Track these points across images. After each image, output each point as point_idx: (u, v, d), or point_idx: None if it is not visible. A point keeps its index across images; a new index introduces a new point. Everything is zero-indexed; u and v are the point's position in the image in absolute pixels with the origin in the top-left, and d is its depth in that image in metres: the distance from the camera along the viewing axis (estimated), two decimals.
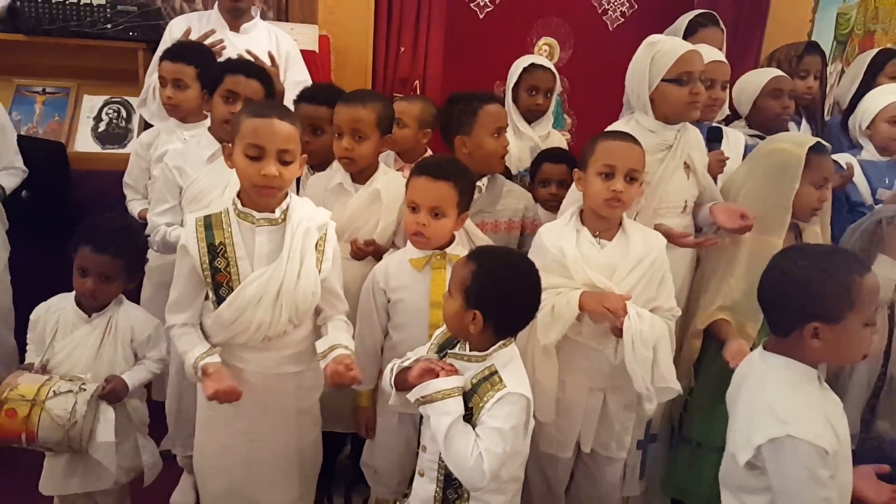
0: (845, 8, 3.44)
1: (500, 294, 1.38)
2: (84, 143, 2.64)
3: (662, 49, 1.91)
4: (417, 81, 2.93)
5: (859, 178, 2.37)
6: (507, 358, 1.42)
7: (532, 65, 2.50)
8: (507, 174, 2.28)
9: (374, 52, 2.83)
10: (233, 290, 1.52)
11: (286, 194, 1.58)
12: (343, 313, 1.68)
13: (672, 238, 1.88)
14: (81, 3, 2.53)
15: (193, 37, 2.34)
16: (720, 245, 1.95)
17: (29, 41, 2.53)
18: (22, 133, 2.54)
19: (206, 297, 1.58)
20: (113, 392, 1.63)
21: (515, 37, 3.32)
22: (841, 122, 2.65)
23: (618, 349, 1.71)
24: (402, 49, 2.86)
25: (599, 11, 3.39)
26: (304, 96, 2.07)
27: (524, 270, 1.45)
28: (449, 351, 1.47)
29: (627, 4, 3.38)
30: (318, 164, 2.03)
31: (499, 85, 3.37)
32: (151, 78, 2.34)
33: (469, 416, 1.37)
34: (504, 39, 3.28)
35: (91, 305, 1.69)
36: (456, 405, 1.35)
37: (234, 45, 2.33)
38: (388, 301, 1.75)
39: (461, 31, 3.16)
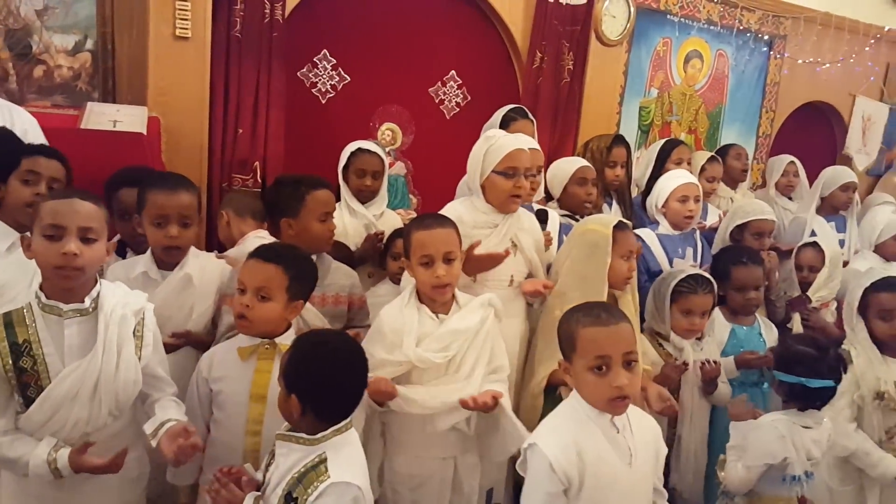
0: (646, 102, 4.01)
1: (314, 378, 1.40)
2: None
3: (496, 144, 2.16)
4: (258, 163, 2.95)
5: (657, 249, 2.74)
6: (340, 444, 1.42)
7: (359, 149, 2.67)
8: None
9: (209, 133, 2.85)
10: (43, 390, 1.44)
11: (95, 281, 1.52)
12: (172, 395, 1.64)
13: None
14: None
15: None
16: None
17: None
18: None
19: None
20: None
21: (358, 121, 3.50)
22: (641, 202, 3.05)
23: (470, 421, 1.86)
24: (241, 131, 2.90)
25: (437, 101, 3.68)
26: (121, 179, 2.06)
27: (342, 354, 1.46)
28: (277, 432, 1.46)
29: (462, 96, 3.71)
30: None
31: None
32: None
33: None
34: (347, 124, 3.44)
35: None
36: None
37: None
38: (211, 391, 1.72)
39: (303, 114, 3.29)
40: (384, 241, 2.57)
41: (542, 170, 2.62)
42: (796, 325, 2.80)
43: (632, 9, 3.68)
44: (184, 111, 2.76)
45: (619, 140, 3.07)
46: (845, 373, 2.07)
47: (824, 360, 1.99)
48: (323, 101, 3.39)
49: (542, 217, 2.53)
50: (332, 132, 3.42)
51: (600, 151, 2.98)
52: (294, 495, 1.36)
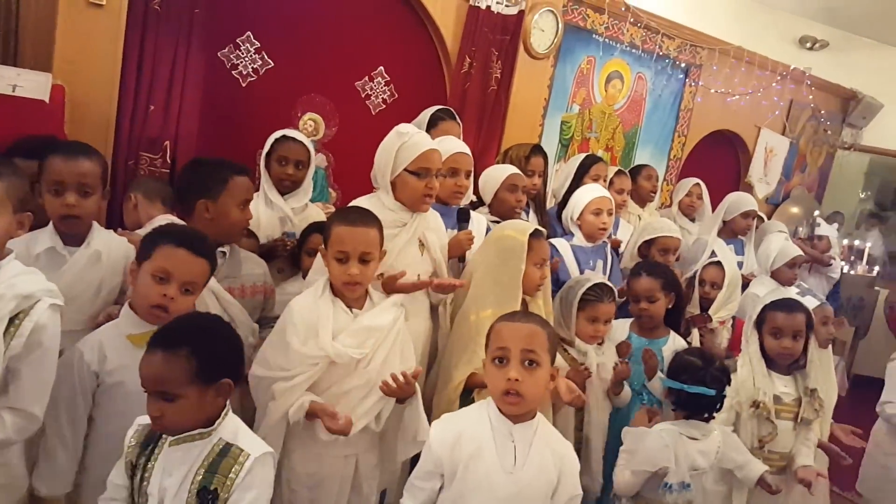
0: (567, 117, 4.15)
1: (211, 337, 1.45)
2: None
3: (410, 141, 2.14)
4: (168, 142, 2.85)
5: (570, 259, 2.84)
6: (233, 426, 1.44)
7: (284, 136, 2.63)
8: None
9: (118, 108, 2.72)
10: None
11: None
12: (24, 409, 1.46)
13: None
14: None
15: None
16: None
17: None
18: None
19: None
20: None
21: (280, 109, 3.43)
22: (557, 213, 3.15)
23: (380, 416, 1.87)
24: (152, 107, 2.78)
25: (363, 96, 3.67)
26: (17, 148, 1.95)
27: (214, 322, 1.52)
28: (170, 440, 1.41)
29: (389, 93, 3.71)
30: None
31: (261, 152, 3.45)
32: None
33: (213, 499, 1.34)
34: (267, 110, 3.37)
35: None
36: None
37: None
38: (98, 385, 1.61)
39: (221, 96, 3.19)
40: (295, 242, 2.53)
41: (471, 174, 2.65)
42: (695, 341, 2.95)
43: (560, 24, 3.80)
44: (92, 82, 2.63)
45: (537, 150, 3.16)
46: (728, 385, 2.20)
47: (708, 370, 2.13)
48: (243, 84, 3.31)
49: (464, 217, 2.56)
50: (250, 117, 3.34)
51: (519, 160, 3.06)
52: (212, 487, 1.35)
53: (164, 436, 1.41)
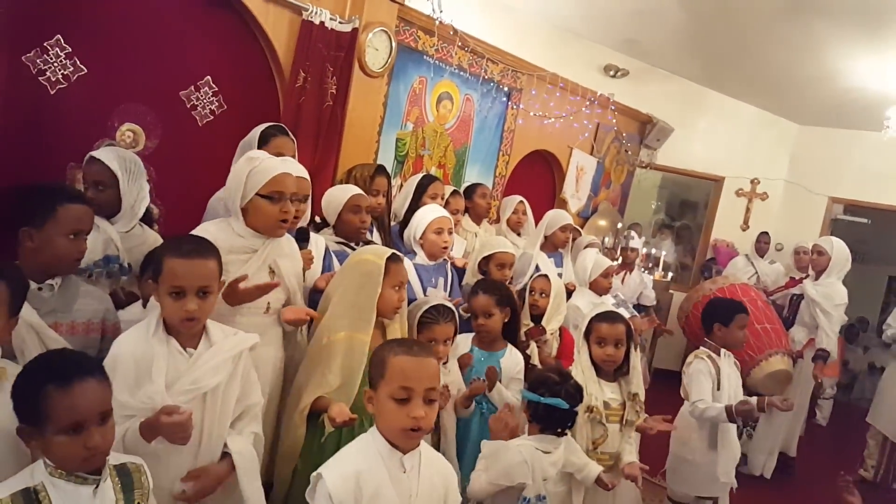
0: (402, 134, 4.33)
1: None
2: None
3: (260, 167, 2.15)
4: None
5: (413, 278, 3.00)
6: None
7: (91, 157, 2.52)
8: None
9: None
10: None
11: None
12: None
13: None
14: None
15: None
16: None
17: None
18: None
19: None
20: None
21: (95, 118, 3.22)
22: (398, 231, 3.31)
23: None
24: None
25: (188, 106, 3.55)
26: None
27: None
28: None
29: (217, 104, 3.62)
30: None
31: (72, 167, 3.21)
32: None
33: None
34: (81, 120, 3.15)
35: None
36: None
37: None
38: None
39: (26, 104, 2.93)
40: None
41: (308, 198, 2.70)
42: (534, 353, 3.18)
43: (393, 44, 3.97)
44: None
45: (381, 170, 3.30)
46: (581, 402, 2.46)
47: (563, 385, 2.38)
48: (52, 92, 3.06)
49: (304, 236, 2.60)
50: (60, 127, 3.10)
51: (364, 179, 3.17)
52: None
53: None
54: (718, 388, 3.15)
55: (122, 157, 2.61)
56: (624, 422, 2.71)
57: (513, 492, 2.28)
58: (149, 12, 3.29)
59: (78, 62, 3.11)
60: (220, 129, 3.61)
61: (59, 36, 3.02)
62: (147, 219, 2.80)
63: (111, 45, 3.19)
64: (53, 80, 3.05)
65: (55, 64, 3.04)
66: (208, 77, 3.58)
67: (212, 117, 3.63)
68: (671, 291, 6.86)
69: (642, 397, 2.80)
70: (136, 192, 2.61)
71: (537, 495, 2.29)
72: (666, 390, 4.33)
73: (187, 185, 3.45)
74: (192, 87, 3.55)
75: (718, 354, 3.23)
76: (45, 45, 2.99)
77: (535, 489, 2.28)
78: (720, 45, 6.05)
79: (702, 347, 3.30)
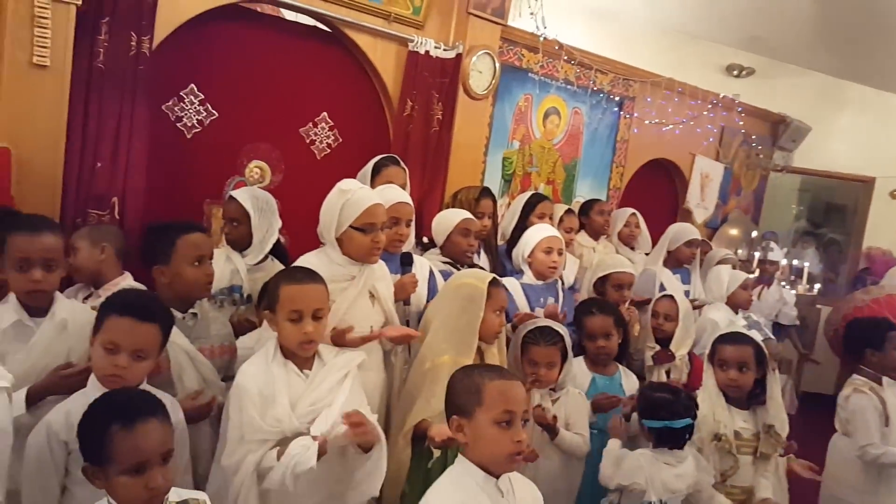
0: (508, 153, 4.40)
1: None
2: None
3: (353, 198, 2.25)
4: (116, 198, 2.92)
5: (520, 298, 3.02)
6: None
7: (230, 196, 2.78)
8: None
9: (65, 166, 2.78)
10: None
11: None
12: None
13: None
14: None
15: None
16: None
17: None
18: None
19: None
20: None
21: (226, 158, 3.57)
22: (506, 251, 3.35)
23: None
24: (99, 164, 2.87)
25: (308, 141, 3.83)
26: None
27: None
28: None
29: (333, 138, 3.88)
30: None
31: (208, 202, 3.57)
32: None
33: None
34: (213, 160, 3.50)
35: None
36: None
37: None
38: (69, 454, 1.65)
39: (167, 149, 3.29)
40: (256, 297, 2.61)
41: (411, 223, 2.77)
42: (661, 377, 3.04)
43: (497, 65, 4.07)
44: (38, 143, 2.69)
45: (486, 192, 3.37)
46: (697, 409, 2.39)
47: (678, 401, 2.34)
48: (188, 136, 3.43)
49: (407, 260, 2.68)
50: (196, 168, 3.47)
51: (469, 202, 3.26)
52: None
53: None
54: (887, 424, 2.86)
55: (255, 196, 2.86)
56: (758, 454, 2.51)
57: (635, 498, 2.31)
58: (271, 56, 3.61)
59: (210, 107, 3.47)
60: (337, 160, 3.86)
61: (192, 85, 3.40)
62: (282, 255, 2.99)
63: (238, 89, 3.54)
64: (189, 125, 3.42)
65: (190, 110, 3.41)
66: (325, 113, 3.86)
67: (329, 150, 3.89)
68: (818, 306, 6.32)
69: (782, 431, 2.56)
70: (266, 228, 2.84)
71: (661, 500, 2.28)
72: (816, 416, 3.87)
73: (309, 216, 3.69)
74: (311, 124, 3.83)
75: (880, 383, 2.94)
76: (181, 93, 3.37)
77: (657, 494, 2.27)
78: (858, 32, 5.62)
79: (856, 376, 3.01)
